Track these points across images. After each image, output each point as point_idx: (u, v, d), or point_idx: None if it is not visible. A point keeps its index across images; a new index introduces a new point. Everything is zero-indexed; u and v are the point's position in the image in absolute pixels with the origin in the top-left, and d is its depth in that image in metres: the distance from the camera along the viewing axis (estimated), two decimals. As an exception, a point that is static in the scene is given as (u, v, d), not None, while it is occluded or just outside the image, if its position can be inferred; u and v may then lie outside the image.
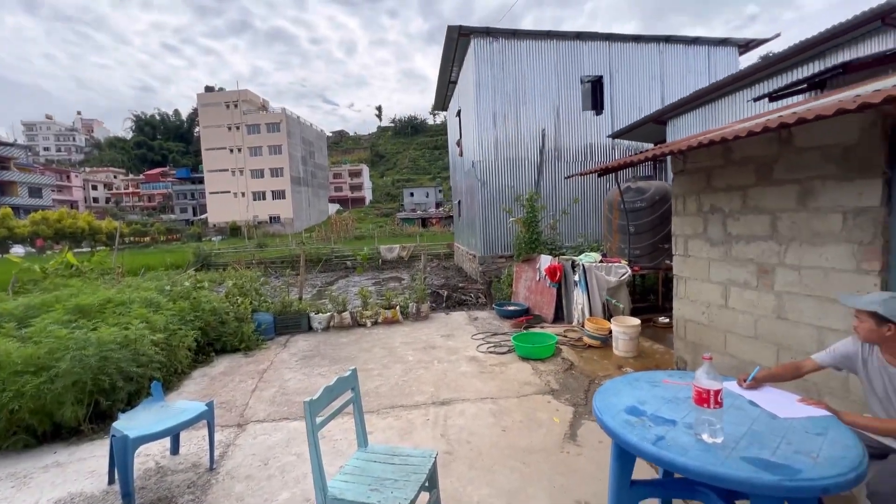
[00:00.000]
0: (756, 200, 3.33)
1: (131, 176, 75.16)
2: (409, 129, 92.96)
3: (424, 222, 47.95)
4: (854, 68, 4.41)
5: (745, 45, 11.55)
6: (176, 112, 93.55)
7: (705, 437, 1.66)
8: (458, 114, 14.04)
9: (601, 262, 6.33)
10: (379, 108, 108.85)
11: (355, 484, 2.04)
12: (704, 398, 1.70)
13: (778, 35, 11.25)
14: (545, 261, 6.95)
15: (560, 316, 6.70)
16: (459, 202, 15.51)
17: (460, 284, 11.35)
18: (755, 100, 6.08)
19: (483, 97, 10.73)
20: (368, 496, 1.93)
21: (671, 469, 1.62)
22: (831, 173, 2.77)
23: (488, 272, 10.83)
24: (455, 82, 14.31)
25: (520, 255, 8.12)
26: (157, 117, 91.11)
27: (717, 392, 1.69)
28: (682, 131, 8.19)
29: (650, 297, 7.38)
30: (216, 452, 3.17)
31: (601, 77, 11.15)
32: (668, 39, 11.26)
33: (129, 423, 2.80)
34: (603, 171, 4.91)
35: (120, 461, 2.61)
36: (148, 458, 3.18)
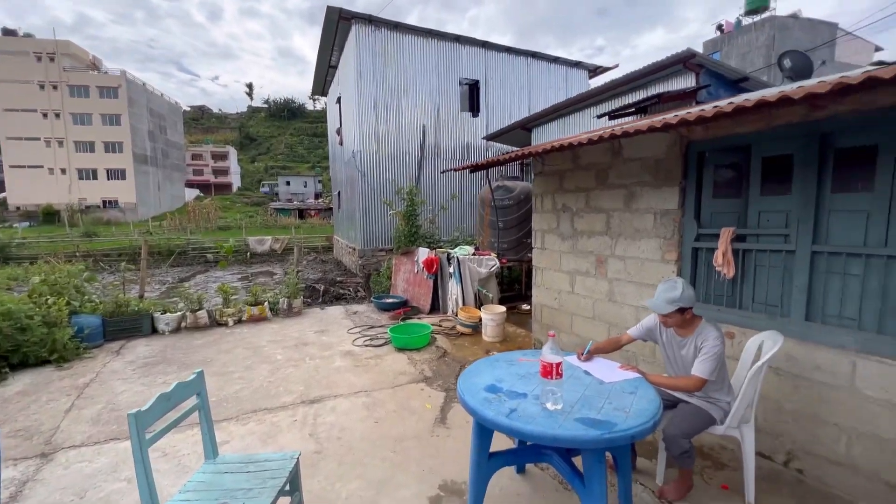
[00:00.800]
0: (596, 201, 3.90)
1: None
2: (286, 112, 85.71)
3: (302, 213, 44.91)
4: (666, 99, 5.47)
5: (594, 70, 13.46)
6: (-47, 56, 70.42)
7: (549, 405, 1.87)
8: (339, 101, 13.45)
9: (474, 254, 6.74)
10: (250, 86, 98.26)
11: (199, 501, 1.80)
12: (549, 371, 1.92)
13: (617, 66, 13.41)
14: (423, 253, 7.12)
15: (436, 306, 6.94)
16: (339, 193, 14.92)
17: (339, 278, 10.95)
18: (598, 117, 7.12)
19: (364, 86, 10.44)
20: (214, 512, 1.71)
21: (521, 437, 1.79)
22: (647, 181, 3.39)
23: (368, 265, 10.67)
24: (336, 67, 13.66)
25: (399, 248, 8.17)
26: (-80, 59, 67.32)
27: (558, 365, 1.93)
28: (544, 138, 9.18)
29: (516, 286, 8.12)
30: (4, 494, 2.48)
31: (478, 81, 11.81)
32: (535, 55, 12.47)
33: None
34: (474, 168, 5.21)
35: None
36: None
